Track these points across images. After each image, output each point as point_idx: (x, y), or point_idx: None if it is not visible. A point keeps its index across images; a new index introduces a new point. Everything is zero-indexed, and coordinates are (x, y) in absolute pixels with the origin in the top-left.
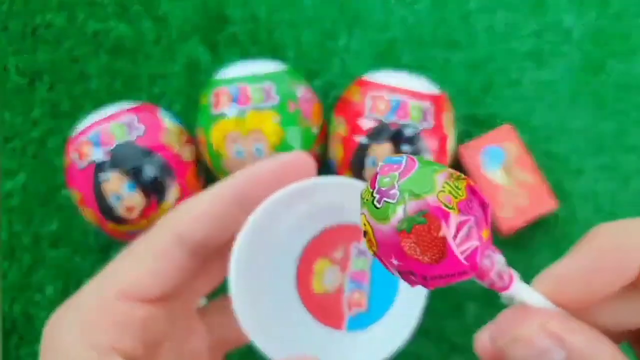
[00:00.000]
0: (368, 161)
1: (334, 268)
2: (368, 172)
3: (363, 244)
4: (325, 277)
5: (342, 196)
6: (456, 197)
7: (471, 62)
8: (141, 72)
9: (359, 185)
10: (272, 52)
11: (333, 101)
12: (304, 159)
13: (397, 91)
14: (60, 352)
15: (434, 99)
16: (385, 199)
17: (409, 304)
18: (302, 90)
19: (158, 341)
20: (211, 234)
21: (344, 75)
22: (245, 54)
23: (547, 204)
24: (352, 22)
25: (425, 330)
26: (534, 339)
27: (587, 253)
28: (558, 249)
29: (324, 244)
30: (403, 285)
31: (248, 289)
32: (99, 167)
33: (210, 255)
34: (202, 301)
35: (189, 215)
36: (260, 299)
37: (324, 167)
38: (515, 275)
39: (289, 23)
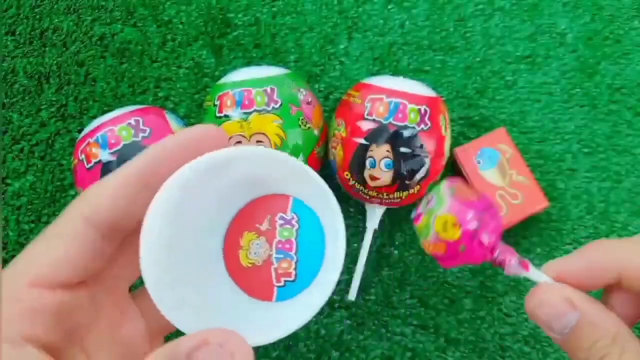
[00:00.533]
0: (367, 162)
1: (261, 240)
2: (367, 172)
3: (289, 213)
4: (253, 249)
5: (263, 167)
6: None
7: (467, 65)
8: (147, 75)
9: (278, 156)
10: (275, 56)
11: (333, 104)
12: (214, 132)
13: (396, 94)
14: None
15: (431, 102)
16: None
17: (332, 269)
18: (303, 94)
19: (81, 328)
20: (119, 214)
21: (344, 78)
22: (248, 58)
23: (540, 203)
24: (352, 27)
25: (422, 326)
26: (554, 301)
27: (581, 260)
28: (551, 247)
29: (250, 216)
30: (328, 251)
31: (166, 269)
32: (106, 167)
33: (129, 238)
34: None
35: (95, 197)
36: (182, 277)
37: (325, 167)
38: (530, 263)
39: (291, 28)
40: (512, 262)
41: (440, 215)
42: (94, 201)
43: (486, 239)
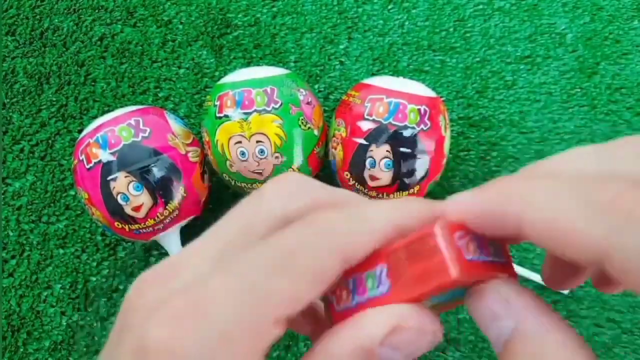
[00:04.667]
0: (367, 162)
1: None
2: (367, 172)
3: None
4: None
5: None
6: None
7: (467, 65)
8: (147, 75)
9: None
10: (275, 56)
11: (333, 104)
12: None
13: (396, 94)
14: None
15: (431, 102)
16: None
17: None
18: (303, 94)
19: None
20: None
21: (344, 78)
22: (248, 58)
23: None
24: (352, 27)
25: None
26: (488, 298)
27: (479, 204)
28: None
29: None
30: None
31: None
32: (106, 167)
33: None
34: None
35: (360, 238)
36: None
37: (325, 167)
38: None
39: (291, 28)
40: None
41: None
42: (359, 247)
43: None
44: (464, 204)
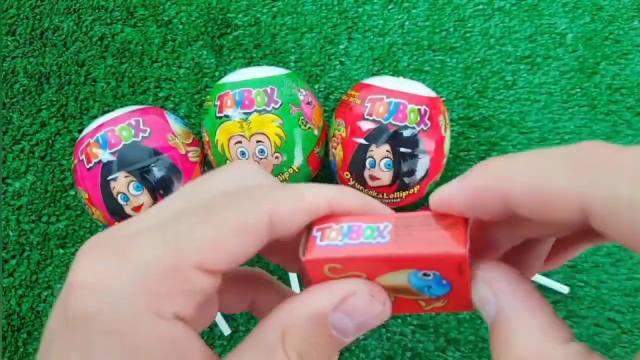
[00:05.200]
0: (367, 162)
1: None
2: (367, 172)
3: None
4: None
5: None
6: None
7: (467, 65)
8: (147, 75)
9: None
10: (275, 56)
11: (334, 104)
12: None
13: (396, 94)
14: (116, 313)
15: (431, 102)
16: None
17: None
18: (303, 94)
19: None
20: (295, 231)
21: (344, 78)
22: (249, 58)
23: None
24: (352, 27)
25: (422, 326)
26: (477, 282)
27: (465, 185)
28: None
29: None
30: None
31: None
32: (106, 167)
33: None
34: None
35: (291, 212)
36: None
37: (325, 167)
38: None
39: (291, 28)
40: None
41: None
42: (287, 214)
43: None
44: (448, 194)
